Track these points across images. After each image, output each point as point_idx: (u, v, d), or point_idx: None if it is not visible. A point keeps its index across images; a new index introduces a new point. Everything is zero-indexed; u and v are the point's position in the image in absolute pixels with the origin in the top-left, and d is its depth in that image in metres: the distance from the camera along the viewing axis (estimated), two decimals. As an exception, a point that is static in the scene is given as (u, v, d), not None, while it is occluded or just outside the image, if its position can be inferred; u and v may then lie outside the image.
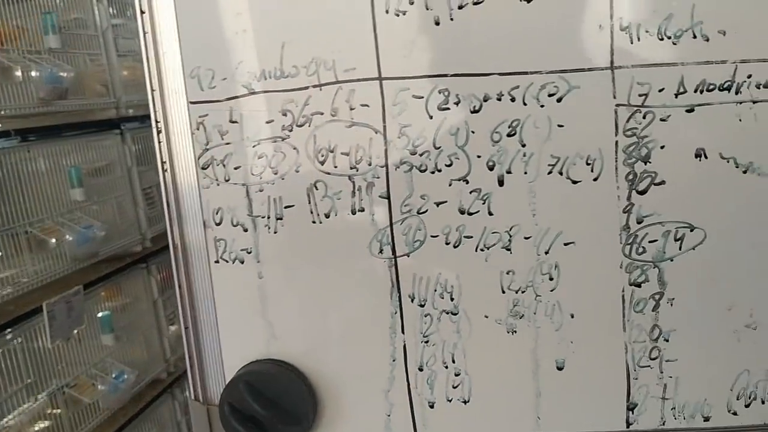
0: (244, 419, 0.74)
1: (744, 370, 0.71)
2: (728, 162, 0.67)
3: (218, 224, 0.75)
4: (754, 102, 0.66)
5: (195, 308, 0.77)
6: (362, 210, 0.72)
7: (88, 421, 1.85)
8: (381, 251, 0.73)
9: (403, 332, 0.75)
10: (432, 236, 0.72)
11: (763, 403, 0.72)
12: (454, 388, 0.75)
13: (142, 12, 0.71)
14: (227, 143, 0.73)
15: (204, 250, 0.75)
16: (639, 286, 0.71)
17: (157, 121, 0.73)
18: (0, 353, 1.60)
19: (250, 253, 0.75)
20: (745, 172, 0.68)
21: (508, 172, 0.70)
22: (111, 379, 1.93)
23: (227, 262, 0.75)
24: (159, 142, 0.73)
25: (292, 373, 0.76)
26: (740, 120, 0.67)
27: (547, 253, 0.71)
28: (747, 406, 0.72)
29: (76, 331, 1.83)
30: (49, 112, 1.81)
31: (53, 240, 1.77)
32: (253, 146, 0.73)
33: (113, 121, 2.09)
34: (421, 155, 0.71)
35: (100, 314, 1.96)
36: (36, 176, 1.77)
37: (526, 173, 0.70)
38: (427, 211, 0.72)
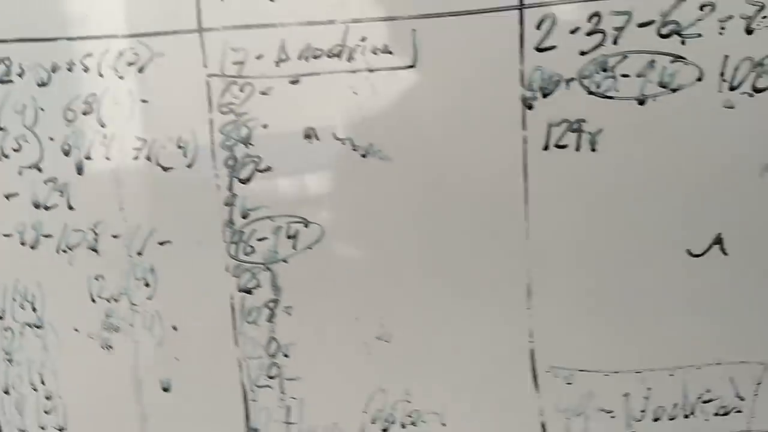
0: None
1: (378, 390, 0.60)
2: (344, 144, 0.56)
3: None
4: (371, 71, 0.54)
5: None
6: None
7: None
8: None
9: (-20, 349, 0.63)
10: (4, 235, 0.61)
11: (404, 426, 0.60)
12: (47, 413, 0.64)
13: None
14: None
15: None
16: (250, 292, 0.59)
17: None
18: None
19: None
20: (364, 155, 0.56)
21: (88, 158, 0.58)
22: None
23: None
24: None
25: None
26: (355, 93, 0.55)
27: (140, 254, 0.60)
28: (384, 431, 0.61)
29: None
30: None
31: None
32: None
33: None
34: (-19, 139, 0.59)
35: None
36: None
37: (108, 159, 0.58)
38: (-7, 205, 0.60)
